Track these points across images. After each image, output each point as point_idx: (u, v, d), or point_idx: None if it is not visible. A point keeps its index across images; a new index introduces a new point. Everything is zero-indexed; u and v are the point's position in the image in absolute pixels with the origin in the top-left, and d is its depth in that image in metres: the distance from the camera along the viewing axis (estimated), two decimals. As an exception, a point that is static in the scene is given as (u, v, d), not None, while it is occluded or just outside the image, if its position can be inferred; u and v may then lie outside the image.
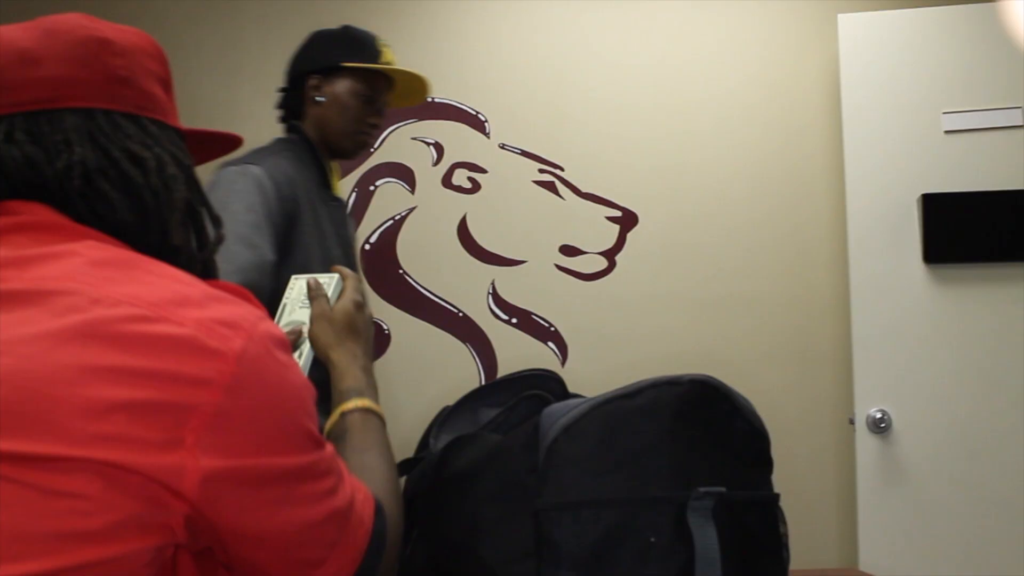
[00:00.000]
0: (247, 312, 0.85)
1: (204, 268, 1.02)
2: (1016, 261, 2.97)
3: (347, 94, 2.25)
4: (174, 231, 0.96)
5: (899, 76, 3.08)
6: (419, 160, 3.36)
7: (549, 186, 3.33)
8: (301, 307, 1.33)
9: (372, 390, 1.27)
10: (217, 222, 1.06)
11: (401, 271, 3.31)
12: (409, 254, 3.32)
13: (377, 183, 3.35)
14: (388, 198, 3.35)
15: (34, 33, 0.95)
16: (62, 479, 0.73)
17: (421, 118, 3.37)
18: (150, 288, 0.82)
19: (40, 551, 0.71)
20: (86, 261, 0.83)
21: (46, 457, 0.72)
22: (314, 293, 1.31)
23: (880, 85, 3.08)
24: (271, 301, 1.97)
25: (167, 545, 0.78)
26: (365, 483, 1.01)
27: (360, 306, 1.34)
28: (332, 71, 2.26)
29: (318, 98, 2.26)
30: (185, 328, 0.79)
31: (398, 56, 3.28)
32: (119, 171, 0.93)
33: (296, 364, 0.89)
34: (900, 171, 3.05)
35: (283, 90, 2.36)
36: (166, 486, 0.76)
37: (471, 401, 1.50)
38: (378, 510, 0.98)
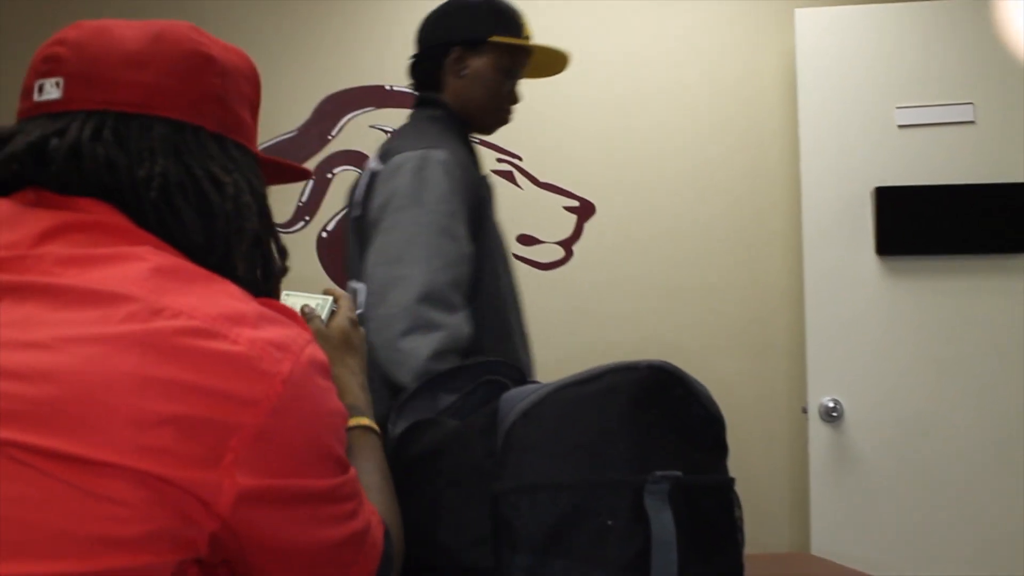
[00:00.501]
0: (297, 335, 0.86)
1: (264, 290, 1.03)
2: (966, 254, 3.02)
3: (492, 69, 2.12)
4: (238, 261, 0.97)
5: (854, 71, 3.12)
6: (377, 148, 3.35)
7: (507, 175, 3.34)
8: None
9: (369, 407, 1.29)
10: (284, 253, 1.07)
11: (358, 259, 3.30)
12: (366, 242, 3.31)
13: (335, 171, 3.34)
14: (345, 186, 3.33)
15: (144, 35, 0.95)
16: (106, 484, 0.73)
17: (379, 106, 3.36)
18: (209, 302, 0.82)
19: (77, 551, 0.72)
20: (149, 268, 0.83)
21: (94, 461, 0.73)
22: (308, 316, 1.30)
23: (835, 80, 3.12)
24: (468, 293, 1.92)
25: (189, 561, 0.79)
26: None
27: (356, 324, 1.34)
28: (477, 44, 2.12)
29: (462, 72, 2.12)
30: (239, 347, 0.80)
31: (354, 46, 3.28)
32: (198, 190, 0.94)
33: (333, 389, 0.90)
34: (854, 164, 3.09)
35: (417, 58, 2.19)
36: (202, 502, 0.77)
37: (429, 387, 1.50)
38: (387, 533, 1.01)
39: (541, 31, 3.40)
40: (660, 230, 3.35)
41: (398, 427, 1.40)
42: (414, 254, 1.85)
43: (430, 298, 1.81)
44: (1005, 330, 2.99)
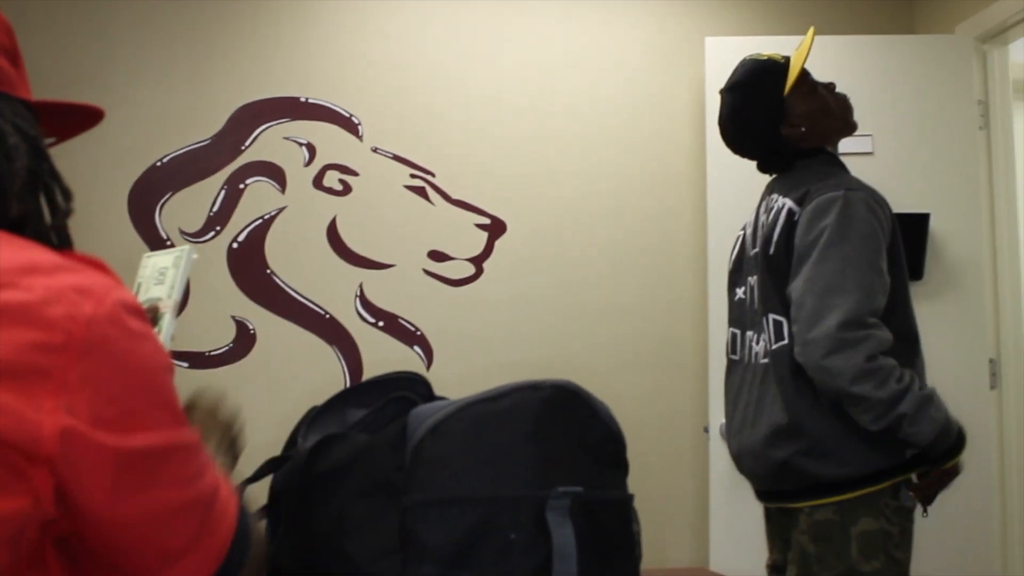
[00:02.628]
0: (99, 280, 0.83)
1: (59, 239, 0.98)
2: (862, 280, 3.13)
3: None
4: (13, 201, 0.92)
5: (760, 99, 3.21)
6: (290, 160, 3.35)
7: (420, 191, 3.36)
8: (156, 284, 1.31)
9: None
10: (68, 195, 1.01)
11: (269, 271, 3.29)
12: (277, 254, 3.31)
13: (247, 181, 3.32)
14: (258, 197, 3.32)
15: None
16: None
17: (294, 117, 3.36)
18: None
19: None
20: None
21: None
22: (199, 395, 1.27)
23: (742, 107, 3.21)
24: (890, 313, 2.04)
25: (30, 517, 0.76)
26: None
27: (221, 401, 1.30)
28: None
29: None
30: (33, 294, 0.77)
31: (270, 56, 3.28)
32: None
33: (154, 334, 0.87)
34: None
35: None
36: (23, 450, 0.74)
37: (339, 402, 1.52)
38: (242, 510, 0.95)
39: (456, 47, 3.44)
40: (570, 250, 3.40)
41: (308, 441, 1.42)
42: (850, 284, 1.97)
43: (861, 318, 1.95)
44: (898, 354, 3.10)
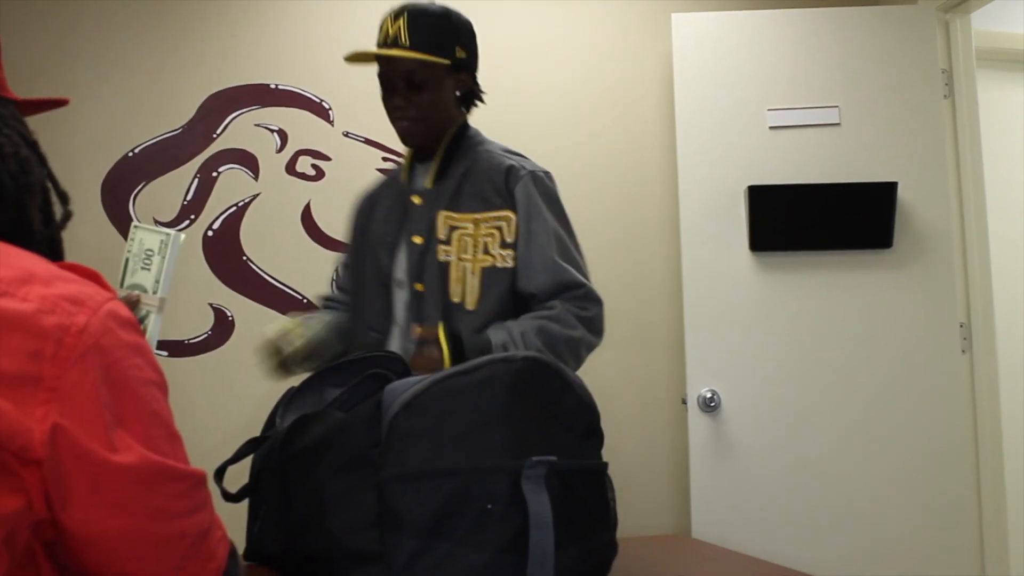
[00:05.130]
0: (95, 292, 0.84)
1: (51, 247, 1.00)
2: (833, 249, 3.17)
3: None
4: (34, 215, 0.95)
5: (728, 74, 3.24)
6: (262, 147, 3.35)
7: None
8: (143, 268, 1.29)
9: None
10: (64, 199, 1.04)
11: (244, 257, 3.29)
12: (252, 240, 3.31)
13: (220, 169, 3.32)
14: (231, 184, 3.32)
15: None
16: None
17: (264, 104, 3.36)
18: None
19: None
20: None
21: None
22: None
23: (710, 82, 3.24)
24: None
25: (23, 518, 0.77)
26: None
27: None
28: None
29: None
30: (28, 303, 0.79)
31: (238, 44, 3.27)
32: None
33: (147, 346, 0.88)
34: (728, 164, 3.21)
35: None
36: (14, 450, 0.75)
37: (316, 381, 1.54)
38: (232, 553, 0.95)
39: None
40: (544, 228, 3.42)
41: (286, 420, 1.44)
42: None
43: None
44: (869, 320, 3.14)
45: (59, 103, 1.14)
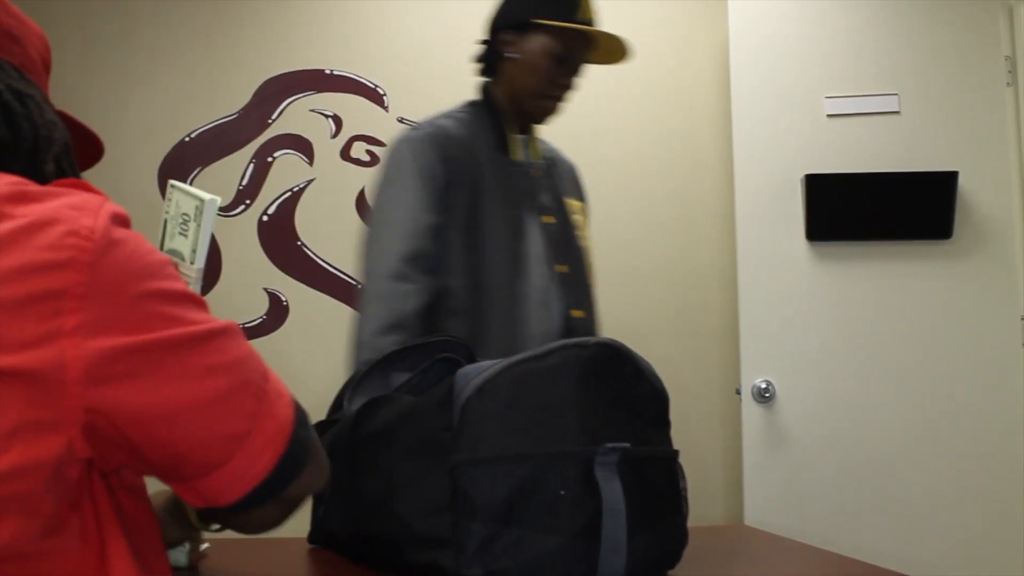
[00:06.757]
0: (90, 197, 0.82)
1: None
2: (891, 239, 3.13)
3: (539, 52, 2.09)
4: (48, 160, 0.93)
5: (785, 61, 3.20)
6: (317, 132, 3.37)
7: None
8: (180, 234, 1.26)
9: None
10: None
11: (299, 243, 3.31)
12: (307, 226, 3.33)
13: (275, 155, 3.34)
14: (286, 170, 3.34)
15: None
16: None
17: (320, 90, 3.37)
18: None
19: None
20: None
21: None
22: None
23: (767, 69, 3.20)
24: (436, 265, 2.00)
25: (65, 462, 0.75)
26: None
27: None
28: (526, 26, 2.09)
29: (510, 55, 2.11)
30: (28, 218, 0.76)
31: (293, 29, 3.28)
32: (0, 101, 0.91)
33: (143, 237, 0.85)
34: (785, 153, 3.18)
35: (481, 43, 2.21)
36: (49, 384, 0.73)
37: (382, 366, 1.53)
38: (299, 408, 0.93)
39: (478, 16, 3.43)
40: (596, 217, 3.40)
41: (354, 404, 1.44)
42: (379, 232, 1.98)
43: (389, 270, 1.94)
44: (927, 312, 3.10)
45: (93, 146, 1.13)
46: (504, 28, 2.13)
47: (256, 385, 0.86)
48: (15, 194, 0.79)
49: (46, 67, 1.04)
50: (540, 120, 2.18)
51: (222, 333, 0.85)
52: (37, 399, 0.72)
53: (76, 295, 0.75)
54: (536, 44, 2.09)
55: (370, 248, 2.05)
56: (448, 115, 2.18)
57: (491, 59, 2.17)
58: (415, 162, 2.03)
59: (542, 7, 2.08)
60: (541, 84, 2.10)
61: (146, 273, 0.81)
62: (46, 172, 0.93)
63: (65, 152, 0.97)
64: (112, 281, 0.77)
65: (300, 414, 0.90)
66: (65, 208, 0.79)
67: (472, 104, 2.20)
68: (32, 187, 0.81)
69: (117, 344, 0.76)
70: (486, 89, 2.19)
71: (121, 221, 0.82)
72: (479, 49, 2.21)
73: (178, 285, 0.84)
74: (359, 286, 2.05)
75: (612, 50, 2.17)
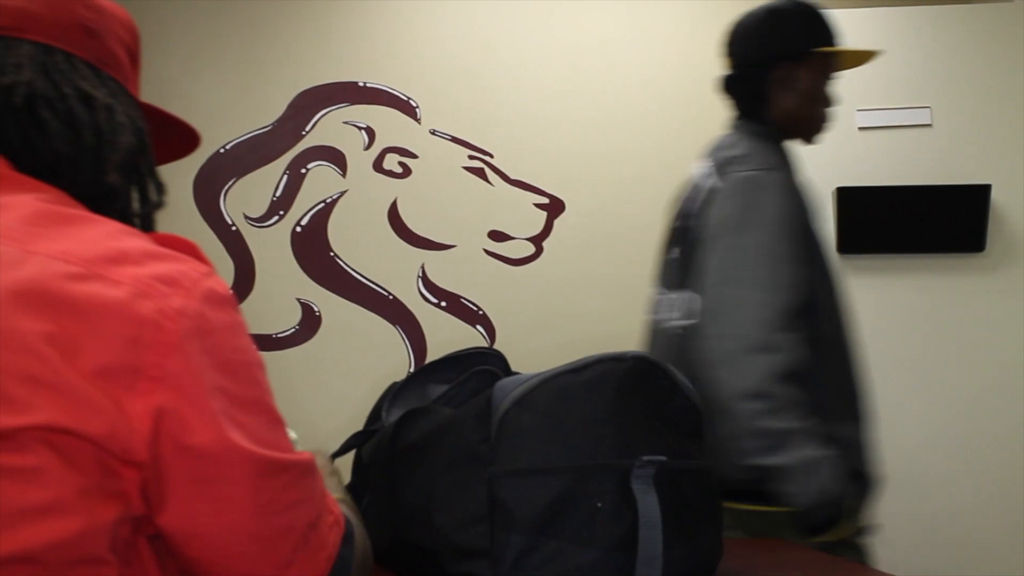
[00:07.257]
0: (189, 268, 0.80)
1: (143, 224, 0.98)
2: (923, 252, 3.12)
3: (818, 80, 2.08)
4: (110, 171, 0.92)
5: (817, 73, 3.20)
6: (350, 144, 3.40)
7: (479, 172, 3.39)
8: None
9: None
10: (161, 189, 1.01)
11: (332, 254, 3.34)
12: (340, 237, 3.36)
13: (309, 166, 3.37)
14: (319, 181, 3.37)
15: None
16: (13, 456, 0.68)
17: (352, 102, 3.41)
18: (86, 245, 0.77)
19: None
20: (21, 216, 0.78)
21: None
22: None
23: (799, 81, 3.20)
24: (807, 311, 1.91)
25: (124, 519, 0.74)
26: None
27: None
28: (801, 56, 2.07)
29: (792, 86, 2.08)
30: (122, 287, 0.75)
31: (327, 42, 3.31)
32: (66, 106, 0.90)
33: (246, 325, 0.84)
34: (816, 165, 3.16)
35: (739, 75, 2.17)
36: (117, 452, 0.72)
37: (419, 377, 1.55)
38: (347, 537, 0.92)
39: (509, 28, 3.45)
40: (627, 227, 3.42)
41: (392, 415, 1.46)
42: (753, 276, 1.86)
43: (769, 321, 1.82)
44: (960, 326, 3.09)
45: (188, 138, 1.15)
46: (780, 60, 2.08)
47: (300, 534, 0.84)
48: (114, 255, 0.77)
49: (132, 58, 1.02)
50: (813, 141, 2.18)
51: (287, 469, 0.83)
52: (103, 465, 0.72)
53: (151, 377, 0.74)
54: (817, 71, 2.08)
55: None
56: (772, 152, 2.06)
57: (759, 91, 2.12)
58: (788, 206, 1.96)
59: (820, 36, 2.09)
60: (821, 107, 2.10)
61: (225, 369, 0.79)
62: (111, 183, 0.92)
63: (132, 158, 0.95)
64: (190, 369, 0.75)
65: (338, 569, 0.88)
66: (158, 282, 0.77)
67: (760, 135, 2.10)
68: (132, 245, 0.79)
69: (180, 438, 0.75)
70: (765, 120, 2.12)
71: (218, 302, 0.81)
72: (733, 84, 2.18)
73: (255, 392, 0.82)
74: None
75: (852, 59, 2.20)
